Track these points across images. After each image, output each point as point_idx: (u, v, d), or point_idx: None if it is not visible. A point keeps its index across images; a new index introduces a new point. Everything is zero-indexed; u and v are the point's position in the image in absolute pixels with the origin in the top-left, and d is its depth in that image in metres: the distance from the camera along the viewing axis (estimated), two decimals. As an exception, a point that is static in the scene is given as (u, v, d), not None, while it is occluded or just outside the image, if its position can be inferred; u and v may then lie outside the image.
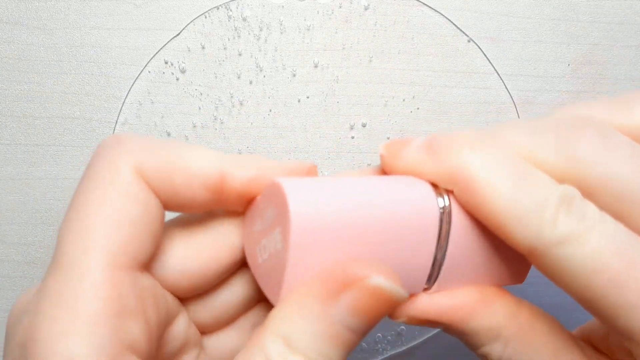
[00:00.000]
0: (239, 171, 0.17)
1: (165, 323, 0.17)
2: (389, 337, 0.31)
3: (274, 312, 0.15)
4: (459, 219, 0.17)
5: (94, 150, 0.16)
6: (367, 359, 0.32)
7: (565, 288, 0.16)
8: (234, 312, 0.19)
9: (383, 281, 0.15)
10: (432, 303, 0.18)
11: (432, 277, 0.18)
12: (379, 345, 0.31)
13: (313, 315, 0.15)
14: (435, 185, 0.17)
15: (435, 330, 0.31)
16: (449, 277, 0.18)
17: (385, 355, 0.32)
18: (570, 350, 0.18)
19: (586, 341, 0.19)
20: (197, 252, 0.17)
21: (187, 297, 0.18)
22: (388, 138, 0.29)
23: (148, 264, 0.16)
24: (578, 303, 0.16)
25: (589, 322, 0.20)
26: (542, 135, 0.16)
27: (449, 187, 0.17)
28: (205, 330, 0.19)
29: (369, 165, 0.29)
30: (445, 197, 0.17)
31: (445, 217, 0.17)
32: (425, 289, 0.18)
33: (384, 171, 0.19)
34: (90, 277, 0.14)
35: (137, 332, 0.15)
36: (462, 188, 0.16)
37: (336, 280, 0.15)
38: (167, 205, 0.16)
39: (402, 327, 0.31)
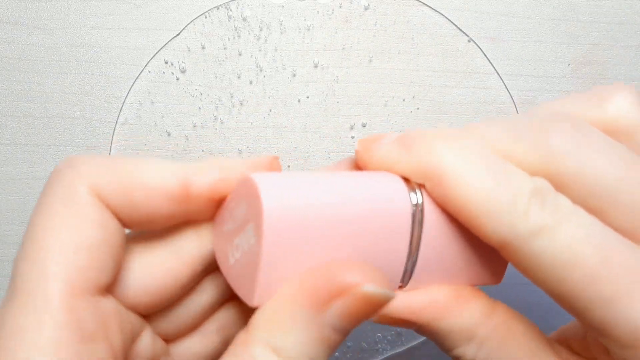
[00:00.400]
0: (202, 176, 0.16)
1: (130, 342, 0.16)
2: (389, 337, 0.31)
3: (259, 319, 0.15)
4: (432, 216, 0.17)
5: (49, 175, 0.16)
6: (367, 359, 0.32)
7: (538, 283, 0.16)
8: (198, 318, 0.19)
9: (375, 288, 0.15)
10: (405, 301, 0.18)
11: (406, 275, 0.17)
12: (379, 345, 0.31)
13: (303, 323, 0.15)
14: (408, 181, 0.17)
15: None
16: (424, 275, 0.18)
17: (385, 355, 0.32)
18: (546, 353, 0.18)
19: (563, 344, 0.19)
20: (156, 267, 0.17)
21: (150, 313, 0.17)
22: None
23: (110, 286, 0.15)
24: (552, 298, 0.16)
25: (567, 325, 0.20)
26: (516, 130, 0.16)
27: (422, 182, 0.16)
28: (170, 338, 0.19)
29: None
30: (419, 193, 0.17)
31: (418, 214, 0.17)
32: (400, 287, 0.18)
33: (358, 166, 0.18)
34: (49, 307, 0.14)
35: (101, 357, 0.14)
36: (434, 182, 0.16)
37: (326, 288, 0.15)
38: (128, 224, 0.16)
39: (402, 327, 0.31)
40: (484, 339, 0.18)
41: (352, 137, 0.29)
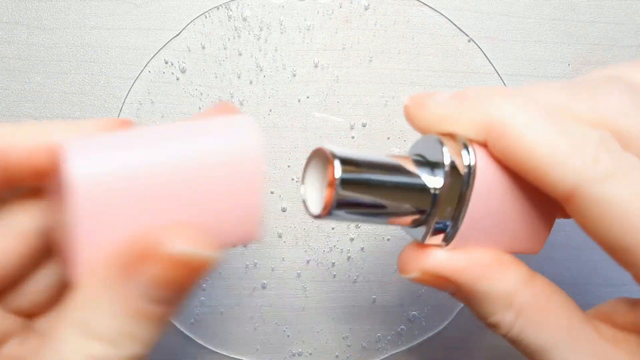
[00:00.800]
0: (19, 140, 0.14)
1: None
2: (389, 337, 0.31)
3: (70, 300, 0.14)
4: (483, 178, 0.16)
5: None
6: (367, 358, 0.32)
7: (601, 233, 0.15)
8: (56, 291, 0.18)
9: (183, 247, 0.13)
10: (448, 259, 0.17)
11: (449, 235, 0.17)
12: (379, 345, 0.31)
13: (111, 294, 0.13)
14: (455, 141, 0.17)
15: (436, 330, 0.31)
16: (466, 237, 0.17)
17: (386, 355, 0.32)
18: (584, 328, 0.17)
19: (605, 320, 0.19)
20: None
21: None
22: (388, 138, 0.29)
23: None
24: (610, 253, 0.15)
25: (609, 300, 0.20)
26: (574, 90, 0.16)
27: (480, 138, 0.16)
28: (31, 314, 0.18)
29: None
30: (471, 153, 0.16)
31: (471, 174, 0.16)
32: (440, 247, 0.18)
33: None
34: None
35: None
36: (497, 136, 0.16)
37: (133, 252, 0.13)
38: None
39: (402, 326, 0.31)
40: (522, 308, 0.17)
41: (352, 137, 0.29)
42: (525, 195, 0.17)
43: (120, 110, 0.28)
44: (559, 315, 0.17)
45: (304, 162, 0.19)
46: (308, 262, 0.30)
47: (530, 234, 0.18)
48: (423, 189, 0.17)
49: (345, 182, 0.16)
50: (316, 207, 0.17)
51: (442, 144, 0.17)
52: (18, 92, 0.28)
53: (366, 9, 0.28)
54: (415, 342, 0.32)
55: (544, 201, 0.18)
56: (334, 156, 0.16)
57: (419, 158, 0.18)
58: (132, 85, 0.28)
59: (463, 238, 0.17)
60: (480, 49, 0.29)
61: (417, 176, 0.17)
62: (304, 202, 0.18)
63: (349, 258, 0.30)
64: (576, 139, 0.15)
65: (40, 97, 0.28)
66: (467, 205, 0.17)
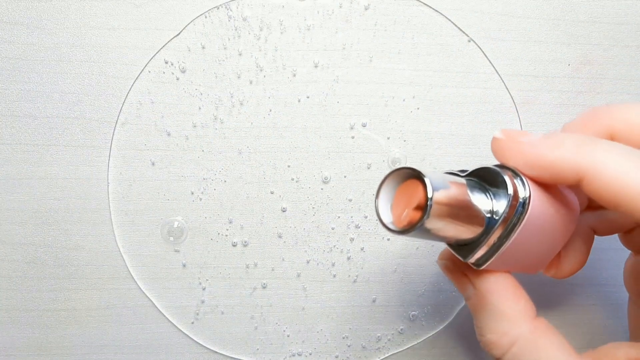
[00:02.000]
0: None
1: None
2: (389, 337, 0.31)
3: None
4: (534, 211, 0.18)
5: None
6: (367, 358, 0.32)
7: None
8: None
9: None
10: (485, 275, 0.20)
11: (486, 256, 0.19)
12: (379, 345, 0.31)
13: None
14: (515, 174, 0.19)
15: (436, 330, 0.31)
16: (500, 260, 0.19)
17: (386, 355, 0.32)
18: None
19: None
20: None
21: None
22: (388, 138, 0.29)
23: None
24: None
25: (608, 344, 0.22)
26: None
27: (571, 178, 0.18)
28: None
29: (369, 165, 0.29)
30: (527, 187, 0.19)
31: (526, 205, 0.18)
32: (473, 264, 0.19)
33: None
34: None
35: None
36: (591, 178, 0.18)
37: None
38: None
39: (402, 326, 0.31)
40: (519, 337, 0.20)
41: (352, 137, 0.29)
42: (552, 227, 0.20)
43: (120, 110, 0.28)
44: (553, 353, 0.19)
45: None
46: (308, 262, 0.30)
47: (542, 259, 0.20)
48: (481, 213, 0.19)
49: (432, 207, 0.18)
50: (395, 223, 0.19)
51: (501, 173, 0.19)
52: (18, 92, 0.28)
53: (366, 8, 0.28)
54: (415, 342, 0.32)
55: (563, 231, 0.20)
56: (429, 183, 0.18)
57: (474, 182, 0.19)
58: (132, 85, 0.28)
59: (498, 259, 0.19)
60: (480, 49, 0.29)
61: (482, 205, 0.19)
62: (378, 215, 0.19)
63: (349, 258, 0.30)
64: None
65: (40, 97, 0.28)
66: (515, 232, 0.19)
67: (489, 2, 0.29)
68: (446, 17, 0.29)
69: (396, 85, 0.29)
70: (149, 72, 0.28)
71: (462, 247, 0.20)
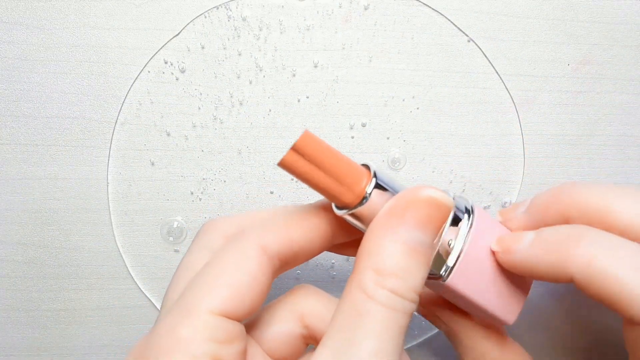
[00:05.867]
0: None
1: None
2: (389, 337, 0.31)
3: (360, 252, 0.18)
4: (476, 235, 0.20)
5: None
6: (367, 359, 0.31)
7: None
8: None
9: (433, 193, 0.18)
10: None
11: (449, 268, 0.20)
12: (379, 346, 0.31)
13: (390, 238, 0.18)
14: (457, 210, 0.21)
15: (436, 330, 0.31)
16: (463, 274, 0.20)
17: (385, 356, 0.32)
18: None
19: None
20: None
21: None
22: (388, 138, 0.29)
23: (251, 331, 0.21)
24: None
25: None
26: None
27: (565, 277, 0.19)
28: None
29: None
30: (467, 219, 0.21)
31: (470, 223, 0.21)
32: (439, 278, 0.20)
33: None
34: (196, 317, 0.18)
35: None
36: (585, 280, 0.18)
37: (399, 205, 0.18)
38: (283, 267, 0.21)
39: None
40: None
41: (352, 137, 0.29)
42: (502, 270, 0.21)
43: (120, 110, 0.28)
44: None
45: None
46: (307, 262, 0.30)
47: (507, 301, 0.21)
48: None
49: None
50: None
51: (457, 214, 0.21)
52: (18, 92, 0.28)
53: (366, 8, 0.28)
54: (415, 342, 0.31)
55: (517, 280, 0.21)
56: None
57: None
58: (132, 85, 0.28)
59: (460, 274, 0.21)
60: (480, 49, 0.29)
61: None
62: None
63: (348, 258, 0.30)
64: None
65: (40, 97, 0.28)
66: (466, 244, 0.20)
67: (489, 2, 0.29)
68: (446, 17, 0.29)
69: (396, 85, 0.29)
70: (149, 72, 0.28)
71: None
